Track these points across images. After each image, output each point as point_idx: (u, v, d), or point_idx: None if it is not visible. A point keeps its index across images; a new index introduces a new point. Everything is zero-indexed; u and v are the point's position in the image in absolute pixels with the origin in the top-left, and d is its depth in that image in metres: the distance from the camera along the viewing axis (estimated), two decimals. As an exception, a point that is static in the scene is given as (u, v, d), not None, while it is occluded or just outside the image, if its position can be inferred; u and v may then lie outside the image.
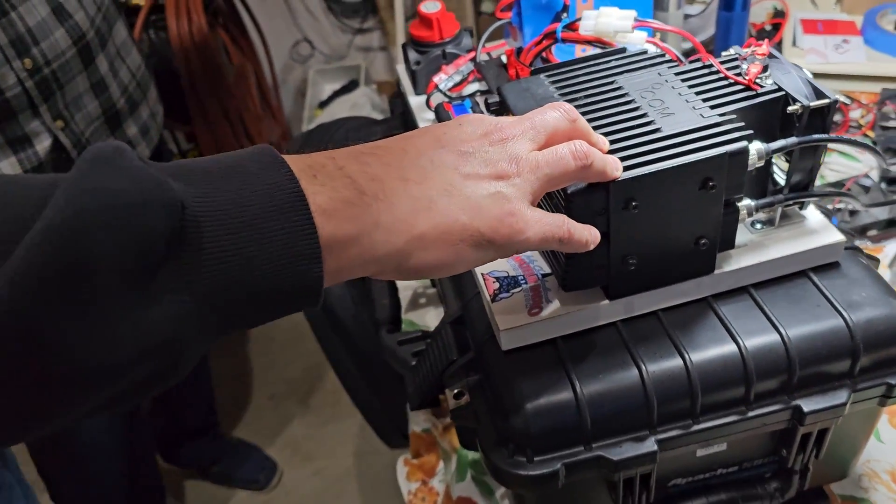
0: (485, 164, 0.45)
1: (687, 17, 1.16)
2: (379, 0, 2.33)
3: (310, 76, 2.49)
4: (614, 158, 0.51)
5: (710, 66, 0.61)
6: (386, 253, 0.41)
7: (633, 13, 0.69)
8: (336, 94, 2.39)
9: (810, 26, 1.28)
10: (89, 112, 1.09)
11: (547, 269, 0.62)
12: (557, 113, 0.49)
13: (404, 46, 0.89)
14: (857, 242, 0.88)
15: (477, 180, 0.44)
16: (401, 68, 0.93)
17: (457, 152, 0.45)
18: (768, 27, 1.32)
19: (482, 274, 0.63)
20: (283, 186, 0.37)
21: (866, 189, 0.98)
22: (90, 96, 1.09)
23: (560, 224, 0.47)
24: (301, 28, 2.49)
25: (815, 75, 1.21)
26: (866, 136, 1.12)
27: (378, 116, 2.29)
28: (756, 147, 0.55)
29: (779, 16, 1.35)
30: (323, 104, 2.38)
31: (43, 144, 1.04)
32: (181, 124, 1.94)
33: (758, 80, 0.58)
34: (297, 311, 0.40)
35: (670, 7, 1.06)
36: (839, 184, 1.01)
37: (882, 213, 0.93)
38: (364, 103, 2.26)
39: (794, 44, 1.26)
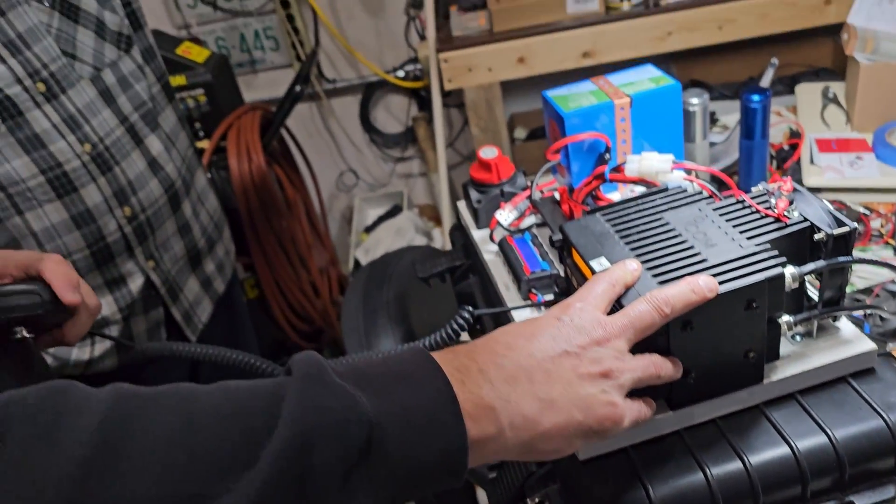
0: (594, 364, 0.55)
1: (712, 144, 1.29)
2: (418, 132, 2.53)
3: (355, 203, 2.66)
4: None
5: (743, 201, 0.71)
6: (515, 446, 0.53)
7: (671, 157, 0.80)
8: (380, 219, 2.54)
9: (825, 145, 1.40)
10: (175, 252, 1.22)
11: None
12: (648, 307, 0.58)
13: (465, 186, 1.01)
14: (890, 346, 0.95)
15: (589, 380, 0.55)
16: (462, 205, 1.05)
17: (573, 354, 0.55)
18: (786, 147, 1.44)
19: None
20: (441, 394, 0.49)
21: (894, 294, 1.05)
22: (177, 238, 1.22)
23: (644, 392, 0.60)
24: (346, 160, 2.68)
25: (835, 190, 1.32)
26: (888, 243, 1.20)
27: (422, 238, 2.42)
28: (790, 271, 0.64)
29: (795, 136, 1.47)
30: (368, 229, 2.53)
31: (136, 283, 1.16)
32: (240, 255, 2.08)
33: (786, 213, 0.68)
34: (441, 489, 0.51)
35: (696, 138, 1.18)
36: (868, 290, 1.09)
37: (912, 318, 1.00)
38: (408, 227, 2.41)
39: (811, 162, 1.37)
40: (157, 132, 1.17)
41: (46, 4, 1.02)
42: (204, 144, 2.00)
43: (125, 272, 1.15)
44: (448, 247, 2.34)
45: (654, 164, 0.80)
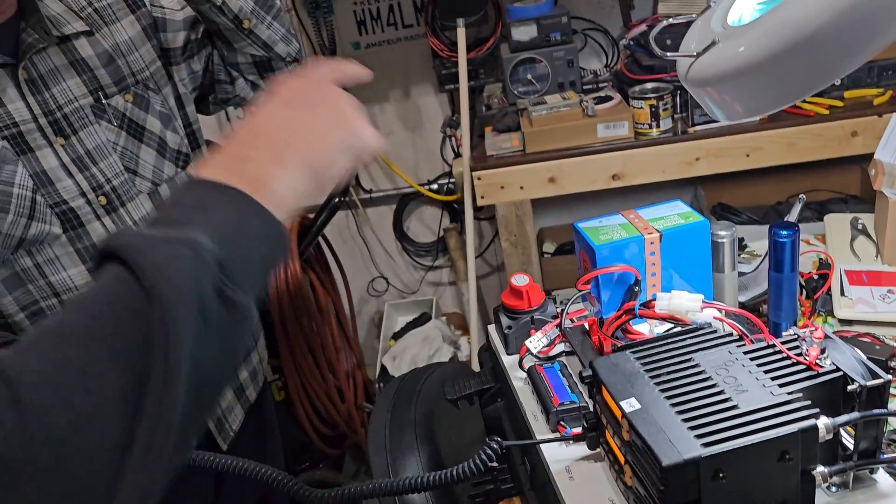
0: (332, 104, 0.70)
1: (741, 274, 1.30)
2: (449, 242, 2.59)
3: (385, 309, 2.69)
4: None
5: (774, 346, 0.72)
6: (301, 178, 0.61)
7: (700, 297, 0.82)
8: (409, 326, 2.56)
9: (855, 277, 1.40)
10: None
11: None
12: None
13: (496, 311, 1.04)
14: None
15: (332, 108, 0.70)
16: (492, 329, 1.07)
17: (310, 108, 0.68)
18: (816, 276, 1.44)
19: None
20: (242, 203, 0.56)
21: (934, 439, 1.03)
22: None
23: None
24: (378, 266, 2.74)
25: (867, 323, 1.31)
26: (926, 383, 1.18)
27: (449, 347, 2.43)
28: (823, 422, 0.64)
29: (824, 266, 1.48)
30: (396, 335, 2.55)
31: None
32: (269, 358, 2.10)
33: (818, 362, 0.68)
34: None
35: (725, 269, 1.19)
36: (907, 433, 1.06)
37: (954, 465, 0.97)
38: (435, 335, 2.42)
39: (842, 293, 1.37)
40: None
41: (115, 125, 1.10)
42: (242, 249, 2.06)
43: None
44: (475, 360, 2.34)
45: (685, 303, 0.81)
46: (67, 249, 1.05)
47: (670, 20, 0.75)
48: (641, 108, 1.93)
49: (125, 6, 1.15)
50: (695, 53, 0.66)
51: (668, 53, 0.68)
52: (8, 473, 0.40)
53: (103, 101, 1.09)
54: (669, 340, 0.76)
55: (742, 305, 1.24)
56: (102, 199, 1.07)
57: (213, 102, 1.29)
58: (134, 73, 1.13)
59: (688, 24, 2.21)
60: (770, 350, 0.72)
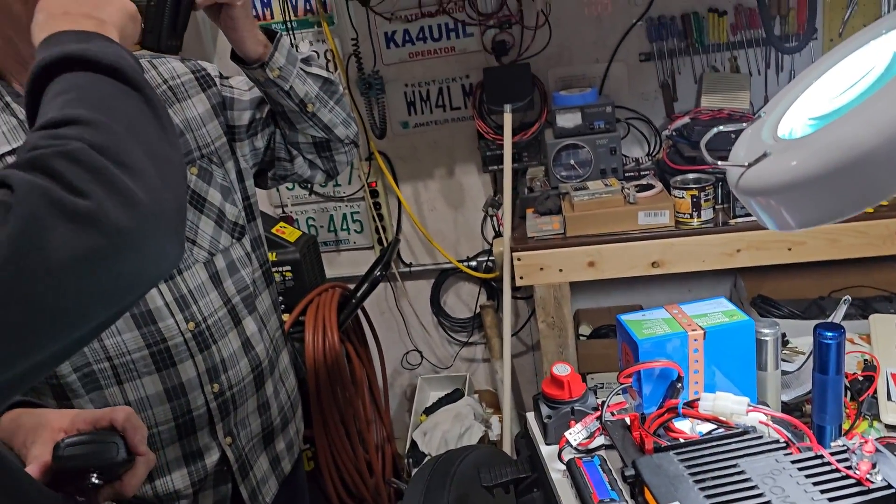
0: None
1: (784, 373, 1.28)
2: (485, 319, 2.59)
3: (418, 382, 2.69)
4: None
5: (822, 456, 0.71)
6: None
7: (746, 399, 0.81)
8: (441, 401, 2.55)
9: (903, 382, 1.37)
10: (252, 430, 1.25)
11: None
12: None
13: (535, 399, 1.04)
14: None
15: None
16: (531, 416, 1.06)
17: None
18: (861, 377, 1.41)
19: None
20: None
21: None
22: (255, 416, 1.26)
23: None
24: (413, 339, 2.75)
25: (918, 435, 1.26)
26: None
27: (480, 426, 2.40)
28: (875, 543, 0.62)
29: (869, 368, 1.45)
30: (428, 410, 2.54)
31: (212, 458, 1.19)
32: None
33: (869, 476, 0.67)
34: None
35: (768, 368, 1.18)
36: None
37: None
38: (467, 413, 2.40)
39: (889, 398, 1.34)
40: (253, 314, 1.26)
41: None
42: (284, 317, 2.10)
43: (203, 446, 1.18)
44: (506, 440, 2.31)
45: (730, 405, 0.81)
46: (124, 314, 1.08)
47: (720, 129, 0.78)
48: (683, 197, 1.95)
49: (197, 84, 1.22)
50: (746, 164, 0.68)
51: (720, 162, 0.70)
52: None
53: None
54: (714, 443, 0.75)
55: (785, 405, 1.22)
56: None
57: (272, 178, 1.34)
58: (200, 147, 1.19)
59: (731, 115, 2.23)
60: (818, 461, 0.71)
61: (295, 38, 2.39)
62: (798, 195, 0.63)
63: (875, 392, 1.37)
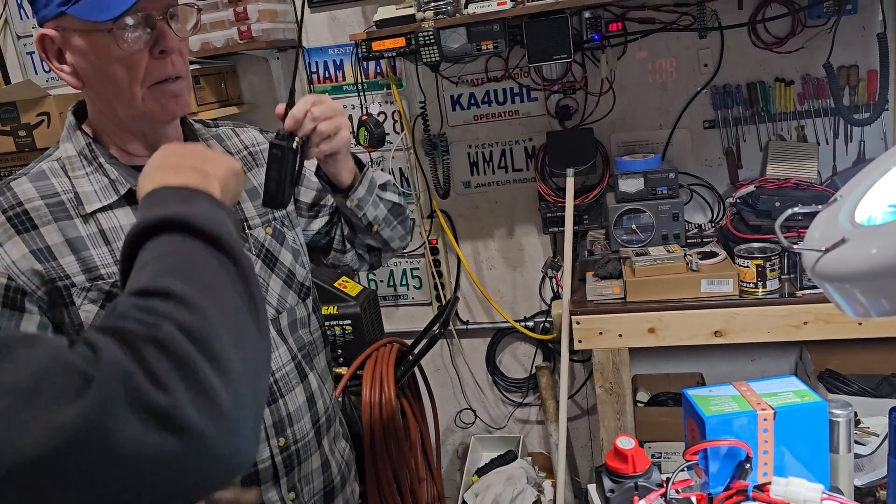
0: None
1: (857, 456, 1.24)
2: (540, 380, 2.57)
3: (470, 442, 2.67)
4: None
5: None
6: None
7: (821, 487, 0.79)
8: (493, 462, 2.52)
9: None
10: (314, 487, 1.27)
11: None
12: None
13: (598, 472, 1.03)
14: None
15: None
16: (592, 489, 1.05)
17: None
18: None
19: None
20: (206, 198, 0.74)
21: None
22: (318, 473, 1.28)
23: None
24: (467, 398, 2.74)
25: None
26: None
27: (532, 490, 2.36)
28: None
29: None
30: (480, 471, 2.51)
31: None
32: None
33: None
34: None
35: (841, 450, 1.14)
36: None
37: None
38: (520, 475, 2.37)
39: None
40: (313, 371, 1.29)
41: (254, 253, 1.20)
42: (342, 371, 2.13)
43: (267, 501, 1.20)
44: (559, 503, 2.25)
45: (803, 491, 0.79)
46: None
47: (796, 210, 0.78)
48: (748, 266, 1.93)
49: None
50: (823, 249, 0.68)
51: (796, 246, 0.71)
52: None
53: (246, 231, 1.20)
54: (788, 532, 0.73)
55: (857, 490, 1.17)
56: None
57: (324, 262, 1.40)
58: (275, 210, 1.25)
59: (797, 185, 2.20)
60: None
61: (366, 101, 2.49)
62: (878, 284, 0.63)
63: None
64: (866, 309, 0.65)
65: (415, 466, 2.23)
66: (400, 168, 2.57)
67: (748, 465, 0.93)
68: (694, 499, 0.90)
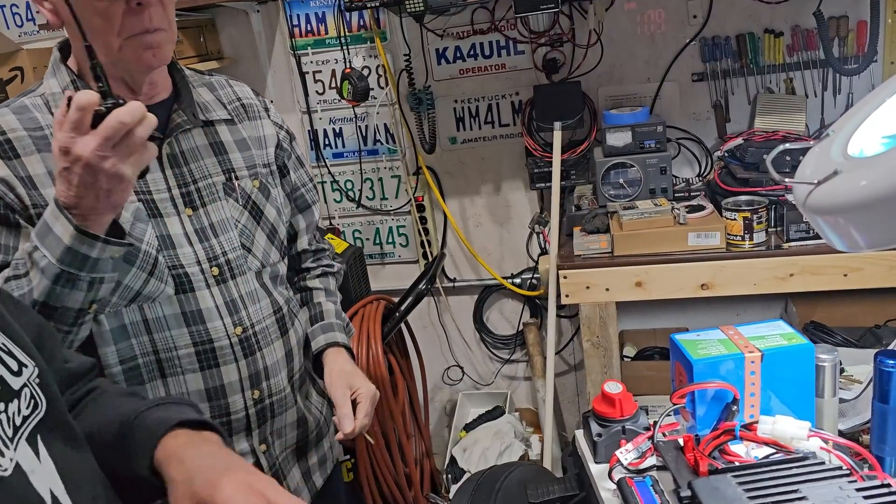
0: None
1: (842, 401, 1.24)
2: (528, 336, 2.58)
3: (458, 398, 2.68)
4: None
5: (888, 485, 0.69)
6: None
7: (807, 424, 0.79)
8: (481, 418, 2.54)
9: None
10: (286, 440, 1.26)
11: None
12: None
13: (585, 417, 1.02)
14: None
15: None
16: (580, 434, 1.05)
17: None
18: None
19: None
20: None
21: None
22: (292, 426, 1.27)
23: None
24: (455, 355, 2.75)
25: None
26: None
27: (520, 444, 2.38)
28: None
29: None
30: (468, 426, 2.53)
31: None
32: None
33: (938, 508, 0.65)
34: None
35: (826, 395, 1.14)
36: None
37: None
38: (507, 430, 2.38)
39: (953, 431, 1.29)
40: (293, 328, 1.28)
41: (240, 203, 1.18)
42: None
43: (238, 451, 1.19)
44: (546, 459, 2.28)
45: (790, 429, 0.79)
46: (175, 311, 1.11)
47: (787, 146, 0.77)
48: (735, 219, 1.92)
49: (267, 115, 1.28)
50: (815, 182, 0.67)
51: (788, 180, 0.69)
52: None
53: (234, 181, 1.18)
54: (775, 467, 0.74)
55: (841, 434, 1.18)
56: (215, 270, 1.14)
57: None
58: (263, 164, 1.23)
59: (785, 137, 2.19)
60: (885, 490, 0.69)
61: (349, 54, 2.43)
62: (869, 215, 0.62)
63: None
64: (855, 241, 0.64)
65: (403, 423, 2.24)
66: (385, 124, 2.54)
67: (735, 408, 0.93)
68: (681, 440, 0.90)
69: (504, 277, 2.56)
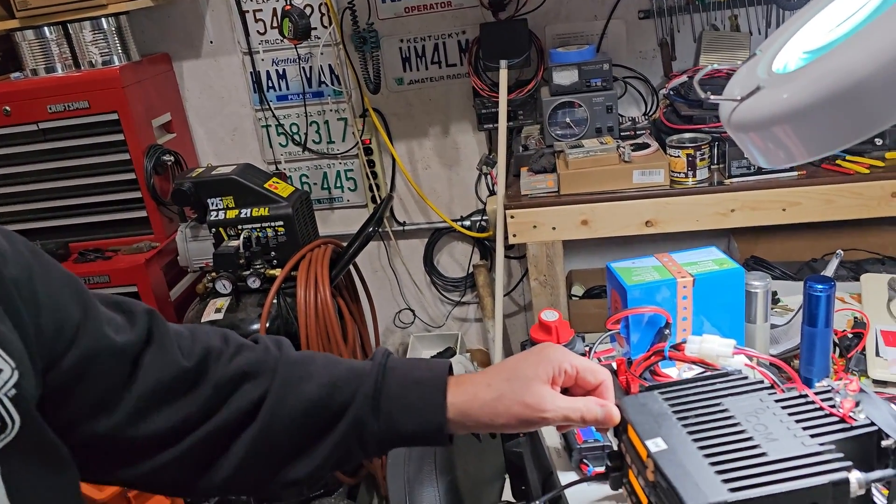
0: None
1: (773, 326, 1.28)
2: (478, 278, 2.59)
3: (410, 341, 2.70)
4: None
5: (806, 396, 0.71)
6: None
7: (732, 342, 0.81)
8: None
9: (891, 338, 1.37)
10: None
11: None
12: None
13: (523, 346, 1.03)
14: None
15: None
16: (519, 363, 1.06)
17: None
18: (850, 335, 1.41)
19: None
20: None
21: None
22: None
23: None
24: (406, 298, 2.75)
25: (903, 386, 1.26)
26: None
27: (470, 384, 2.41)
28: (856, 476, 0.62)
29: (859, 325, 1.45)
30: (419, 368, 2.54)
31: None
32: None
33: (852, 414, 0.67)
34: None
35: (758, 320, 1.18)
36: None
37: None
38: (458, 370, 2.40)
39: (877, 354, 1.34)
40: None
41: None
42: (276, 272, 2.09)
43: None
44: (497, 396, 2.31)
45: (716, 347, 0.81)
46: None
47: (714, 65, 0.76)
48: (678, 157, 1.94)
49: None
50: (738, 98, 0.67)
51: (712, 97, 0.69)
52: None
53: None
54: (699, 383, 0.75)
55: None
56: None
57: None
58: None
59: (729, 75, 2.21)
60: (802, 400, 0.71)
61: (288, -11, 2.35)
62: (790, 128, 0.62)
63: (864, 349, 1.37)
64: (779, 156, 0.64)
65: (354, 366, 2.24)
66: (329, 65, 2.47)
67: (667, 332, 0.95)
68: (615, 364, 0.92)
69: (453, 220, 2.55)
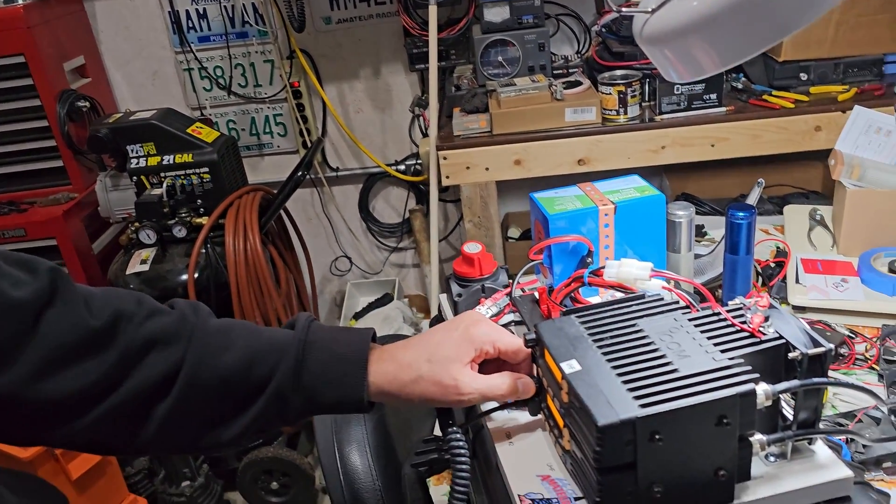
0: None
1: (697, 256, 1.30)
2: (414, 223, 2.56)
3: (347, 289, 2.66)
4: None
5: (719, 314, 0.71)
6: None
7: (649, 265, 0.80)
8: (370, 306, 2.54)
9: (811, 266, 1.41)
10: None
11: (579, 493, 0.67)
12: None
13: (447, 280, 1.02)
14: (874, 474, 0.92)
15: None
16: (443, 297, 1.05)
17: None
18: (772, 264, 1.45)
19: (518, 495, 0.68)
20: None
21: (877, 420, 1.03)
22: None
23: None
24: (342, 245, 2.71)
25: (818, 310, 1.31)
26: (873, 368, 1.19)
27: (409, 328, 2.41)
28: (763, 388, 0.63)
29: (781, 255, 1.49)
30: (358, 315, 2.53)
31: None
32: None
33: (761, 329, 0.68)
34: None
35: (682, 250, 1.18)
36: (850, 415, 1.07)
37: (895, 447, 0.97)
38: (396, 315, 2.40)
39: (797, 281, 1.38)
40: None
41: None
42: (203, 220, 2.02)
43: None
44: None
45: (633, 270, 0.80)
46: None
47: (629, -20, 0.73)
48: (610, 94, 1.93)
49: None
50: (650, 10, 0.64)
51: (625, 9, 0.67)
52: None
53: None
54: (615, 307, 0.75)
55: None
56: None
57: None
58: None
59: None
60: (715, 318, 0.71)
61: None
62: (701, 36, 0.60)
63: (785, 277, 1.40)
64: (690, 67, 0.63)
65: (289, 315, 2.20)
66: (252, 3, 2.36)
67: (590, 260, 0.94)
68: (537, 293, 0.91)
69: (388, 164, 2.51)
